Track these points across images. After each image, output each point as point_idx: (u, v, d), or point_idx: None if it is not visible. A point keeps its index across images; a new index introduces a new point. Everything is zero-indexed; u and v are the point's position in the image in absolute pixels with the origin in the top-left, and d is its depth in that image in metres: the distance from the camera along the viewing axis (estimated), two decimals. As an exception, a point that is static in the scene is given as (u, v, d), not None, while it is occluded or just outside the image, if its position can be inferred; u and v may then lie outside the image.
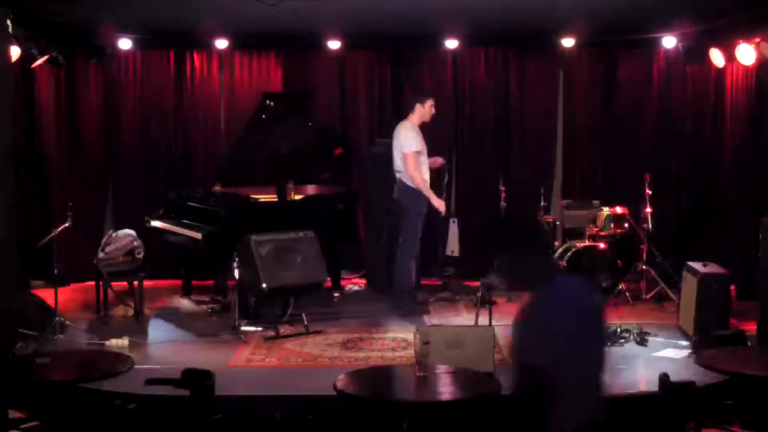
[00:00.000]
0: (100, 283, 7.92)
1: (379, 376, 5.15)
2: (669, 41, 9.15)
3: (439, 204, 8.15)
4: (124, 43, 9.30)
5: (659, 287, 8.67)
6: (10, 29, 6.68)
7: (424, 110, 8.25)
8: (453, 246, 9.81)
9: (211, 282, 8.86)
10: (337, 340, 7.32)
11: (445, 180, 9.20)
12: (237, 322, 7.41)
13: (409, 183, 8.17)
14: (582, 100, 9.86)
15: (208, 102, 9.93)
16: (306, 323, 7.51)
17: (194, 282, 9.02)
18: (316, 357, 6.87)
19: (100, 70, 9.66)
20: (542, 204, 8.93)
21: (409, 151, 8.08)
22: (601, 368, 3.71)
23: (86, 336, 7.36)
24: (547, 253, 3.24)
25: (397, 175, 8.27)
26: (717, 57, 8.64)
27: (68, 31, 8.72)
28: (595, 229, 8.70)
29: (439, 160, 8.65)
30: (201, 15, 8.09)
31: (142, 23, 8.71)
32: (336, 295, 8.81)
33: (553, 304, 3.54)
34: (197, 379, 4.66)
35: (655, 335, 7.26)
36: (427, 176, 8.20)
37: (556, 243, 8.88)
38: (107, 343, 7.07)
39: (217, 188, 8.47)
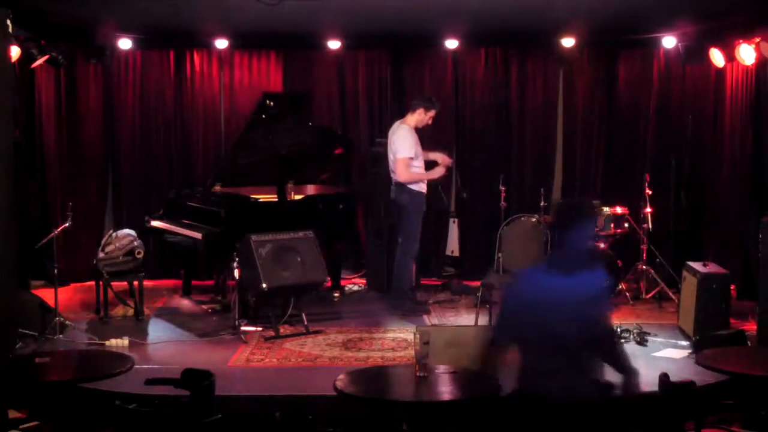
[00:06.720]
0: (100, 283, 7.92)
1: (379, 376, 5.13)
2: (669, 41, 9.14)
3: (440, 170, 8.21)
4: (124, 43, 9.28)
5: (659, 287, 8.67)
6: (10, 29, 6.68)
7: (424, 117, 8.22)
8: (453, 246, 9.82)
9: (211, 282, 8.88)
10: (337, 340, 7.32)
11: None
12: (237, 322, 7.41)
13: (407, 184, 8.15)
14: (582, 100, 9.85)
15: (208, 102, 9.92)
16: (306, 323, 7.51)
17: (194, 282, 9.03)
18: (316, 357, 6.87)
19: (100, 70, 9.64)
20: (542, 204, 8.92)
21: (401, 157, 8.06)
22: None
23: (86, 336, 7.36)
24: None
25: (393, 176, 8.25)
26: (717, 57, 8.63)
27: (68, 31, 8.72)
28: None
29: (448, 160, 8.53)
30: (201, 15, 8.08)
31: (142, 23, 8.70)
32: (336, 295, 8.79)
33: None
34: (197, 379, 4.66)
35: (655, 335, 7.26)
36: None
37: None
38: (107, 343, 7.07)
39: (217, 188, 8.46)
